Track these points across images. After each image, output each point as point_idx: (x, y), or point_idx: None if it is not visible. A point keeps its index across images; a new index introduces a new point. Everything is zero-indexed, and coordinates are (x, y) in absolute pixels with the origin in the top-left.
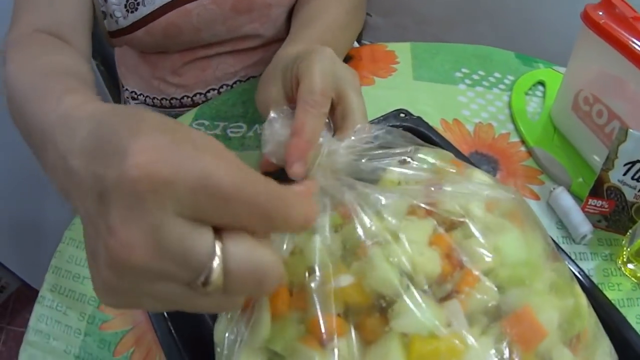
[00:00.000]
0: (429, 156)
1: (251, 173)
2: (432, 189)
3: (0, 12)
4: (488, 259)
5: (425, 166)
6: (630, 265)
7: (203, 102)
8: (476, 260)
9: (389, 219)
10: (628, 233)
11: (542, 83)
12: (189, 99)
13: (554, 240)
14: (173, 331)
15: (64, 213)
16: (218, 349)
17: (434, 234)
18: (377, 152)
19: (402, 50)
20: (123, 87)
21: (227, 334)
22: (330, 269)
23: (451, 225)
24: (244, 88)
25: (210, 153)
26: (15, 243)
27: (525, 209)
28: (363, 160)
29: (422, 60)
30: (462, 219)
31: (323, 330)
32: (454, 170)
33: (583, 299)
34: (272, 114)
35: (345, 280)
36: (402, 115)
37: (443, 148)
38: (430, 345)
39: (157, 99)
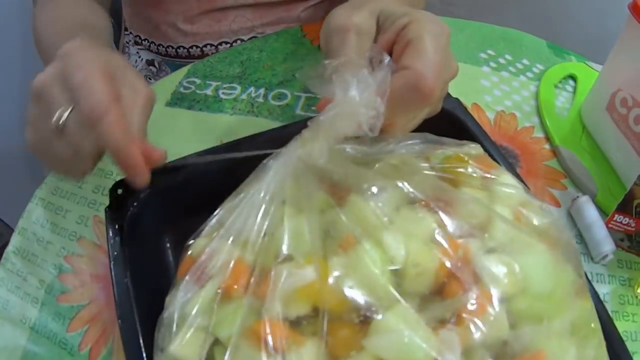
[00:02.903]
0: (450, 149)
1: None
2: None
3: None
4: (507, 284)
5: (439, 157)
6: None
7: (212, 54)
8: (492, 283)
9: (385, 208)
10: None
11: (573, 77)
12: (198, 49)
13: None
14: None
15: None
16: (160, 327)
17: (442, 235)
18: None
19: None
20: (127, 30)
21: (173, 312)
22: (301, 259)
23: (465, 232)
24: (244, 47)
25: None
26: (8, 196)
27: (561, 231)
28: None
29: None
30: (479, 228)
31: (270, 337)
32: (477, 171)
33: (604, 352)
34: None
35: (313, 274)
36: None
37: (476, 140)
38: None
39: (163, 47)
